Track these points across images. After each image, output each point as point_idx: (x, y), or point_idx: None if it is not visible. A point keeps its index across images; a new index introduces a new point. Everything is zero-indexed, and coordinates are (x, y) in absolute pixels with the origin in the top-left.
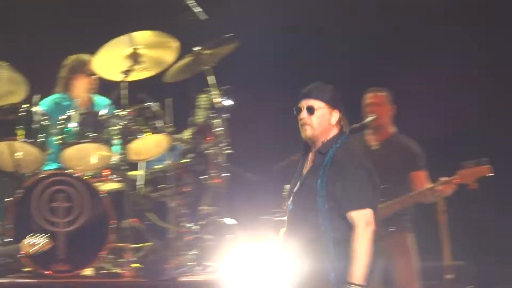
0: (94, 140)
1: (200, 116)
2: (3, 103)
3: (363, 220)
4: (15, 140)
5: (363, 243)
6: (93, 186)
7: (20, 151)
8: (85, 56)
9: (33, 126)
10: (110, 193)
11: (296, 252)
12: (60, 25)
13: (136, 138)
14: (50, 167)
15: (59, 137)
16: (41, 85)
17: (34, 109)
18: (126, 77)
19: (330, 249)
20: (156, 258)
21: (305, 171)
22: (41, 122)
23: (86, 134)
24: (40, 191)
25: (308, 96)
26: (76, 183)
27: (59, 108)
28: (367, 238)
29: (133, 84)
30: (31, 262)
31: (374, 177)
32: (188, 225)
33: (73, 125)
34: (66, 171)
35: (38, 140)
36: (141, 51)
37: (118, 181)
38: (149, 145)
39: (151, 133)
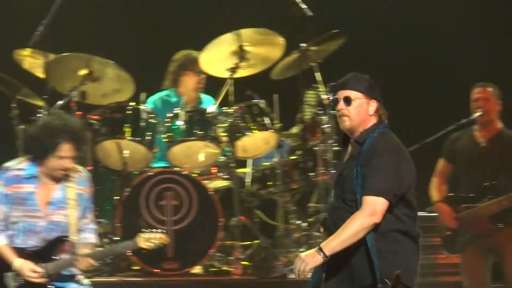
0: (202, 138)
1: (307, 113)
2: (110, 102)
3: (370, 207)
4: (122, 138)
5: (355, 225)
6: (201, 184)
7: (127, 149)
8: (195, 53)
9: (140, 124)
10: (218, 190)
11: None
12: (167, 22)
13: (244, 135)
14: (158, 165)
15: (166, 135)
16: (147, 83)
17: (141, 107)
18: (232, 74)
19: (371, 242)
20: (265, 256)
21: (346, 159)
22: (148, 120)
23: (194, 131)
24: (148, 190)
25: (345, 87)
26: (184, 181)
27: (166, 105)
28: (362, 223)
29: (239, 81)
30: (140, 260)
31: (406, 170)
32: (296, 222)
33: (180, 123)
34: (173, 169)
35: (145, 138)
36: (247, 48)
37: (226, 179)
38: (257, 142)
39: (258, 130)
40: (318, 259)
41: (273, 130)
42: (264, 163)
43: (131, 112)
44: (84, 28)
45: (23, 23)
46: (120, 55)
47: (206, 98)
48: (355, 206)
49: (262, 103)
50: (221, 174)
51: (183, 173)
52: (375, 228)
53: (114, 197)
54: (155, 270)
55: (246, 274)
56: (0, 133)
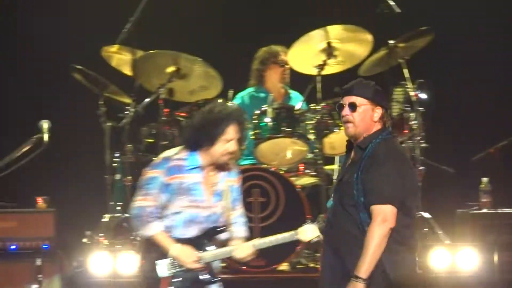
0: (289, 135)
1: (395, 109)
2: (198, 99)
3: (380, 215)
4: None
5: (374, 239)
6: (289, 181)
7: None
8: (276, 47)
9: None
10: (305, 187)
11: (337, 248)
12: (255, 18)
13: (331, 132)
14: (245, 162)
15: (254, 132)
16: (235, 79)
17: (228, 104)
18: (320, 71)
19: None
20: None
21: (348, 163)
22: None
23: (281, 128)
24: None
25: (350, 92)
26: (271, 178)
27: (253, 101)
28: (380, 233)
29: (327, 78)
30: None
31: (408, 177)
32: None
33: (267, 120)
34: (261, 166)
35: None
36: (336, 44)
37: (313, 176)
38: (344, 139)
39: None
40: (360, 286)
41: None
42: None
43: None
44: (171, 24)
45: (111, 20)
46: (207, 51)
47: (294, 95)
48: (354, 211)
49: None
50: (308, 171)
51: (270, 170)
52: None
53: None
54: (242, 267)
55: None
56: (88, 130)
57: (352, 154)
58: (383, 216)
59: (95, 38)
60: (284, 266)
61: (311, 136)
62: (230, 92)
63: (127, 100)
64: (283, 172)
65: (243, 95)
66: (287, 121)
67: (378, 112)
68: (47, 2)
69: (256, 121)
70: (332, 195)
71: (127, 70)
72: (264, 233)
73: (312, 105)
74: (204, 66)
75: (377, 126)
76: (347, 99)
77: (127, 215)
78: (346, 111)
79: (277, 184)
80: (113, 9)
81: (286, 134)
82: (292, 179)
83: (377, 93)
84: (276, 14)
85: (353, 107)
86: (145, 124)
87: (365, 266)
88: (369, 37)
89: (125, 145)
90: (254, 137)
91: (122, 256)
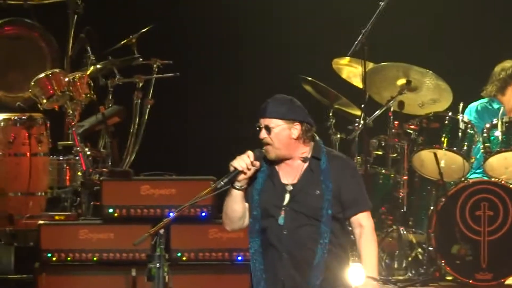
0: None
1: None
2: (428, 111)
3: (371, 219)
4: (439, 148)
5: (375, 242)
6: None
7: (444, 159)
8: None
9: (458, 134)
10: None
11: (297, 260)
12: (485, 30)
13: None
14: (474, 175)
15: (484, 145)
16: (465, 92)
17: (458, 117)
18: None
19: (319, 253)
20: None
21: (288, 181)
22: (465, 130)
23: None
24: (464, 200)
25: (263, 114)
26: (500, 192)
27: (486, 112)
28: (376, 238)
29: None
30: (454, 270)
31: None
32: None
33: (497, 133)
34: (490, 180)
35: (462, 148)
36: None
37: None
38: None
39: None
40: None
41: None
42: None
43: (448, 122)
44: (402, 36)
45: (342, 31)
46: (437, 63)
47: None
48: (322, 221)
49: None
50: None
51: (499, 183)
52: (333, 242)
53: (430, 207)
54: (469, 281)
55: None
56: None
57: (291, 166)
58: (371, 220)
59: (327, 49)
60: (511, 280)
61: None
62: (460, 105)
63: (357, 112)
64: None
65: (477, 105)
66: None
67: (297, 128)
68: (275, 14)
69: (486, 134)
70: (281, 213)
71: (358, 82)
72: (492, 246)
73: None
74: (435, 78)
75: (300, 141)
76: (262, 122)
77: None
78: (263, 134)
79: (506, 198)
80: (345, 20)
81: None
82: None
83: (292, 109)
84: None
85: (268, 129)
86: (374, 136)
87: (376, 267)
88: None
89: (354, 157)
90: (483, 150)
91: None
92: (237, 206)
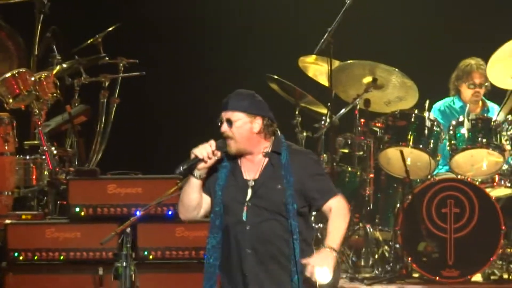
0: (486, 146)
1: None
2: (394, 109)
3: (343, 201)
4: (405, 146)
5: (347, 220)
6: (484, 192)
7: (410, 157)
8: (472, 66)
9: (424, 131)
10: (500, 199)
11: (265, 259)
12: (453, 28)
13: None
14: (441, 170)
15: (450, 142)
16: (431, 89)
17: (424, 114)
18: None
19: (296, 250)
20: None
21: (250, 177)
22: (432, 128)
23: (477, 139)
24: (430, 197)
25: (226, 108)
26: (466, 189)
27: (450, 112)
28: (348, 217)
29: None
30: (420, 267)
31: None
32: None
33: (463, 131)
34: (456, 177)
35: (428, 146)
36: None
37: (509, 187)
38: None
39: None
40: (334, 258)
41: None
42: None
43: (414, 119)
44: (368, 34)
45: (308, 30)
46: (403, 61)
47: (491, 106)
48: (290, 216)
49: None
50: (503, 182)
51: (465, 181)
52: (300, 236)
53: (396, 205)
54: (435, 278)
55: None
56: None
57: (251, 161)
58: (345, 203)
59: (293, 48)
60: (477, 277)
61: (508, 147)
62: (426, 103)
63: (323, 110)
64: (478, 183)
65: (440, 105)
66: (483, 133)
67: (258, 122)
68: (241, 13)
69: (452, 132)
70: (244, 209)
71: (324, 80)
72: (458, 243)
73: (508, 116)
74: (401, 76)
75: (262, 136)
76: (224, 115)
77: None
78: (224, 127)
79: (472, 195)
80: (311, 19)
81: (482, 145)
82: (487, 190)
83: (254, 103)
84: (474, 23)
85: (229, 122)
86: (340, 134)
87: (339, 241)
88: None
89: (321, 155)
90: (449, 148)
91: None
92: (193, 195)
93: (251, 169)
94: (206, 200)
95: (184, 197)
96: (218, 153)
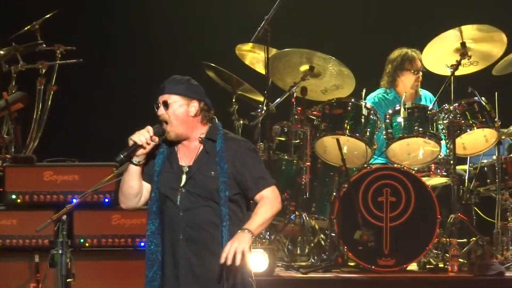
0: (422, 135)
1: None
2: (331, 97)
3: (276, 192)
4: (342, 134)
5: (273, 210)
6: (420, 181)
7: (346, 145)
8: (412, 53)
9: (360, 120)
10: (436, 187)
11: (197, 245)
12: (387, 17)
13: (464, 132)
14: (376, 161)
15: (386, 131)
16: (368, 78)
17: (361, 103)
18: (454, 71)
19: (224, 237)
20: (482, 253)
21: (185, 163)
22: (368, 116)
23: (413, 128)
24: (366, 186)
25: (162, 91)
26: (402, 178)
27: (385, 102)
28: (278, 208)
29: (460, 78)
30: (356, 256)
31: None
32: None
33: (400, 119)
34: (392, 166)
35: (365, 135)
36: (469, 45)
37: (444, 176)
38: (477, 139)
39: (478, 128)
40: (249, 239)
41: (493, 128)
42: (483, 161)
43: (351, 108)
44: (305, 23)
45: (245, 18)
46: (340, 50)
47: (425, 95)
48: (221, 203)
49: (483, 100)
50: (439, 171)
51: (402, 169)
52: (231, 224)
53: (332, 193)
54: (371, 267)
55: (462, 272)
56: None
57: (188, 147)
58: (278, 194)
59: (229, 36)
60: (413, 266)
61: (443, 136)
62: (363, 91)
63: (260, 98)
64: (414, 171)
65: (374, 97)
66: (419, 121)
67: (195, 106)
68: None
69: (389, 120)
70: (177, 195)
71: (260, 68)
72: (394, 232)
73: (445, 105)
74: (338, 64)
75: (198, 120)
76: (161, 98)
77: None
78: (161, 110)
79: (408, 184)
80: (248, 7)
81: (418, 134)
82: (423, 179)
83: (191, 87)
84: (411, 13)
85: (166, 104)
86: (277, 122)
87: (258, 227)
88: (503, 37)
89: (257, 143)
90: (386, 136)
91: None
92: (133, 183)
93: (187, 155)
94: (146, 187)
95: (123, 186)
96: (156, 139)
